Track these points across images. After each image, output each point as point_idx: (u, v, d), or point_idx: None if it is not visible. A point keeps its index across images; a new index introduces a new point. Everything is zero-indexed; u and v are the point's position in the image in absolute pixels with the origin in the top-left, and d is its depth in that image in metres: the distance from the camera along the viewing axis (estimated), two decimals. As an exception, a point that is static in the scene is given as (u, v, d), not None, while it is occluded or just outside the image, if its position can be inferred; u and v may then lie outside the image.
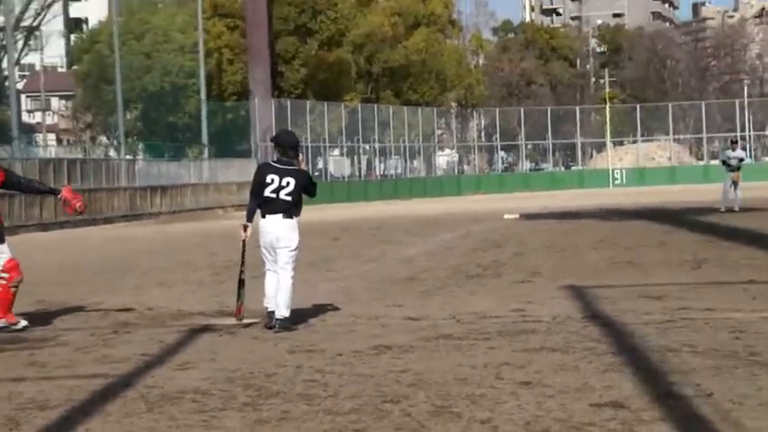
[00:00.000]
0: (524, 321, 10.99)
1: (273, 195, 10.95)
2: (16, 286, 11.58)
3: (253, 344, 10.15)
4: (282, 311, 10.92)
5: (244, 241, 11.37)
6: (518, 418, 6.61)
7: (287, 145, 11.29)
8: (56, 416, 7.08)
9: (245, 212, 11.48)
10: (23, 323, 11.57)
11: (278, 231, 10.98)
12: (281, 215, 10.95)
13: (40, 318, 12.50)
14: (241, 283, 11.41)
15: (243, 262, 11.50)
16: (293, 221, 11.07)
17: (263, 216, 11.04)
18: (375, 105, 67.78)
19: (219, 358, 9.28)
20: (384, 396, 7.37)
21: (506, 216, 33.40)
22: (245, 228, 11.26)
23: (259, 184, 11.07)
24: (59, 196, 12.06)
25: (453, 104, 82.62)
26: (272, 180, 10.98)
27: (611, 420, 6.46)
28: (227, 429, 6.52)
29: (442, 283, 15.32)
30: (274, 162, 11.24)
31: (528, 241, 22.99)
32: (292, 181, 10.99)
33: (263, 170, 11.25)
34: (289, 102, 59.33)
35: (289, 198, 10.96)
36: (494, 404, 7.02)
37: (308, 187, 11.23)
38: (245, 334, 10.81)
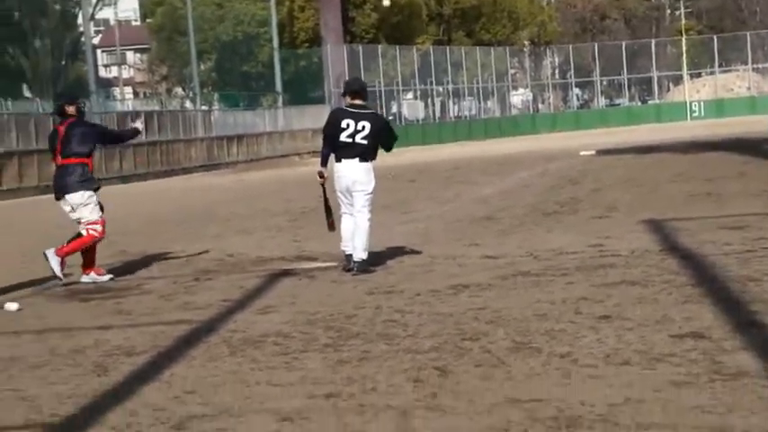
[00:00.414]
0: (602, 256, 10.95)
1: (349, 140, 10.92)
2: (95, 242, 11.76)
3: (332, 287, 10.24)
4: (360, 254, 10.99)
5: (323, 185, 11.40)
6: (598, 351, 6.61)
7: (360, 88, 11.32)
8: (142, 361, 7.24)
9: (320, 159, 11.49)
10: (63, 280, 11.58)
11: (354, 175, 10.99)
12: (356, 159, 10.94)
13: (123, 268, 12.73)
14: (328, 209, 11.41)
15: (326, 198, 11.45)
16: (369, 165, 11.07)
17: (339, 160, 11.03)
18: (447, 47, 67.36)
19: (299, 302, 9.39)
20: (463, 334, 7.41)
21: (582, 153, 33.14)
22: (321, 174, 11.29)
23: (334, 128, 11.05)
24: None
25: (526, 43, 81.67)
26: (348, 125, 10.94)
27: (691, 351, 6.44)
28: (309, 370, 6.62)
29: (519, 221, 15.29)
30: (348, 107, 11.25)
31: (605, 177, 22.82)
32: (368, 125, 10.96)
33: (337, 115, 11.22)
34: (361, 47, 59.20)
35: (365, 142, 10.93)
36: (573, 338, 7.03)
37: (385, 137, 11.18)
38: (324, 277, 10.91)
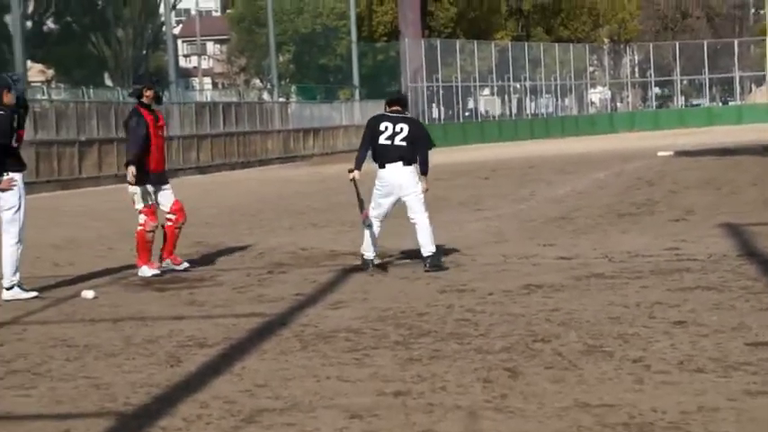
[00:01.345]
0: (678, 260, 10.82)
1: (388, 142, 11.09)
2: (180, 228, 11.87)
3: (404, 284, 10.25)
4: (430, 248, 11.07)
5: (353, 180, 11.42)
6: (671, 357, 6.53)
7: (400, 98, 11.67)
8: (214, 353, 7.30)
9: (355, 161, 11.55)
10: (186, 264, 11.86)
11: (401, 179, 11.13)
12: (400, 163, 11.10)
13: (198, 259, 12.84)
14: (361, 202, 11.44)
15: (358, 193, 11.48)
16: (413, 167, 11.22)
17: (383, 166, 11.16)
18: (526, 43, 67.00)
19: (371, 298, 9.41)
20: (535, 335, 7.37)
21: (660, 153, 32.77)
22: (352, 172, 11.36)
23: (372, 131, 11.22)
24: None
25: (606, 40, 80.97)
26: (386, 128, 11.15)
27: None
28: (379, 367, 6.62)
29: (594, 222, 15.17)
30: (386, 113, 11.40)
31: (683, 179, 22.54)
32: (406, 127, 11.16)
33: (376, 120, 11.43)
34: (438, 41, 59.13)
35: (403, 144, 11.09)
36: (646, 343, 6.96)
37: (423, 144, 11.24)
38: (396, 274, 10.92)
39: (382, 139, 11.10)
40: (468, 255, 12.02)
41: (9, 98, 10.09)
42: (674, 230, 13.53)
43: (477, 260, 11.64)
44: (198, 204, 20.42)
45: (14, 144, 10.18)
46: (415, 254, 11.43)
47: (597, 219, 15.52)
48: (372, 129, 11.24)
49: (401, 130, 11.11)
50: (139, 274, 11.49)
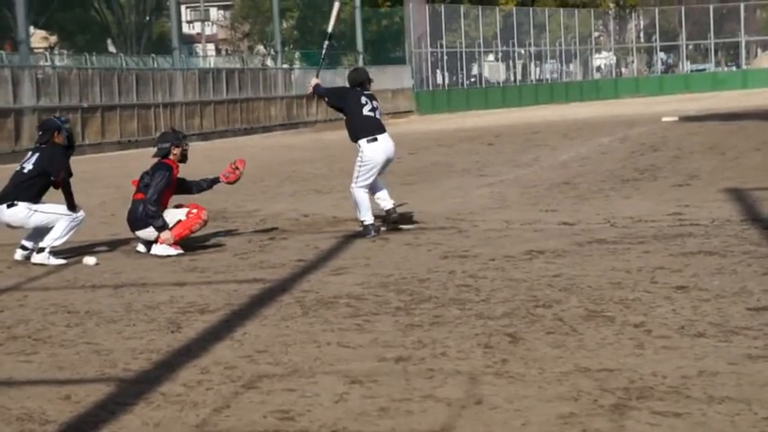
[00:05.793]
0: (681, 225, 10.80)
1: (372, 114, 11.52)
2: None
3: (406, 250, 10.23)
4: (391, 202, 11.52)
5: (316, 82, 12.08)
6: (672, 322, 6.52)
7: (367, 78, 11.86)
8: (215, 319, 7.29)
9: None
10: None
11: (391, 148, 11.52)
12: (386, 133, 11.53)
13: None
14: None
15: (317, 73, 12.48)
16: None
17: (375, 138, 11.38)
18: (531, 8, 66.64)
19: (373, 264, 9.39)
20: (536, 301, 7.36)
21: (665, 119, 32.65)
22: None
23: (354, 100, 11.49)
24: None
25: (611, 5, 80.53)
26: (366, 101, 11.54)
27: (769, 325, 6.33)
28: (380, 333, 6.62)
29: (598, 187, 15.14)
30: (358, 90, 11.66)
31: (687, 144, 22.47)
32: (378, 103, 11.75)
33: (354, 92, 11.66)
34: (443, 7, 58.81)
35: (380, 117, 11.66)
36: (648, 308, 6.94)
37: None
38: (399, 240, 10.91)
39: (366, 111, 11.49)
40: (471, 221, 12.00)
41: (60, 138, 10.63)
42: (677, 195, 13.50)
43: (480, 226, 11.62)
44: (201, 171, 20.34)
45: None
46: (421, 219, 11.41)
47: (600, 184, 15.49)
48: (353, 97, 11.57)
49: (377, 106, 11.66)
50: (160, 252, 10.55)
